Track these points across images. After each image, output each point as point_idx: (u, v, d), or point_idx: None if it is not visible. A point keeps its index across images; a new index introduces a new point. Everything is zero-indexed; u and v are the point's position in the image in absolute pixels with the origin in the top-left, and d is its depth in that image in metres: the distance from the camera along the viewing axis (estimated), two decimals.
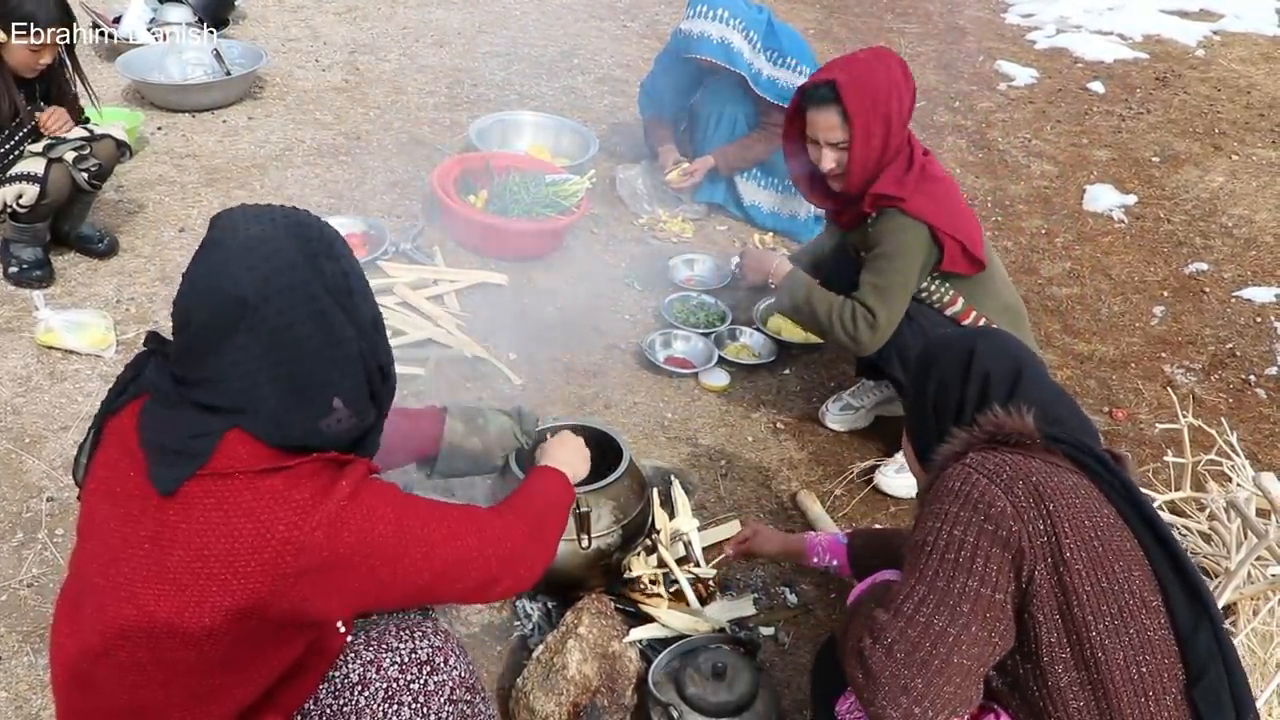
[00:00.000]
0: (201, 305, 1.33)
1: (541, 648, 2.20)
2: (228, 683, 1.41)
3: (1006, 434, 1.60)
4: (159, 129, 4.47)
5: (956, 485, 1.54)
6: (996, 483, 1.51)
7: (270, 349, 1.33)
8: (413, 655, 1.65)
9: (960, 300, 2.73)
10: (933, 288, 2.74)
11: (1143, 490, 1.60)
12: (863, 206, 2.71)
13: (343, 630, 1.65)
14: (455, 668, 1.69)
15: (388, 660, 1.63)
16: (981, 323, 2.73)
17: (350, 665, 1.62)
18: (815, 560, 2.34)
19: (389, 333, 3.27)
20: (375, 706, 1.59)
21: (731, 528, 2.73)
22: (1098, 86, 5.88)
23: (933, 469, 1.67)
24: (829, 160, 2.71)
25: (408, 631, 1.70)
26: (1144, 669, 1.46)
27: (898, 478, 2.89)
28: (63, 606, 1.46)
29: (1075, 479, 1.55)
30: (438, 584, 1.51)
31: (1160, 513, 1.61)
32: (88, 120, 3.40)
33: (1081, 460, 1.58)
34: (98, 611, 1.38)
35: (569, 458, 2.08)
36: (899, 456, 2.92)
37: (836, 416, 3.16)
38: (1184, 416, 2.61)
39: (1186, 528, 2.59)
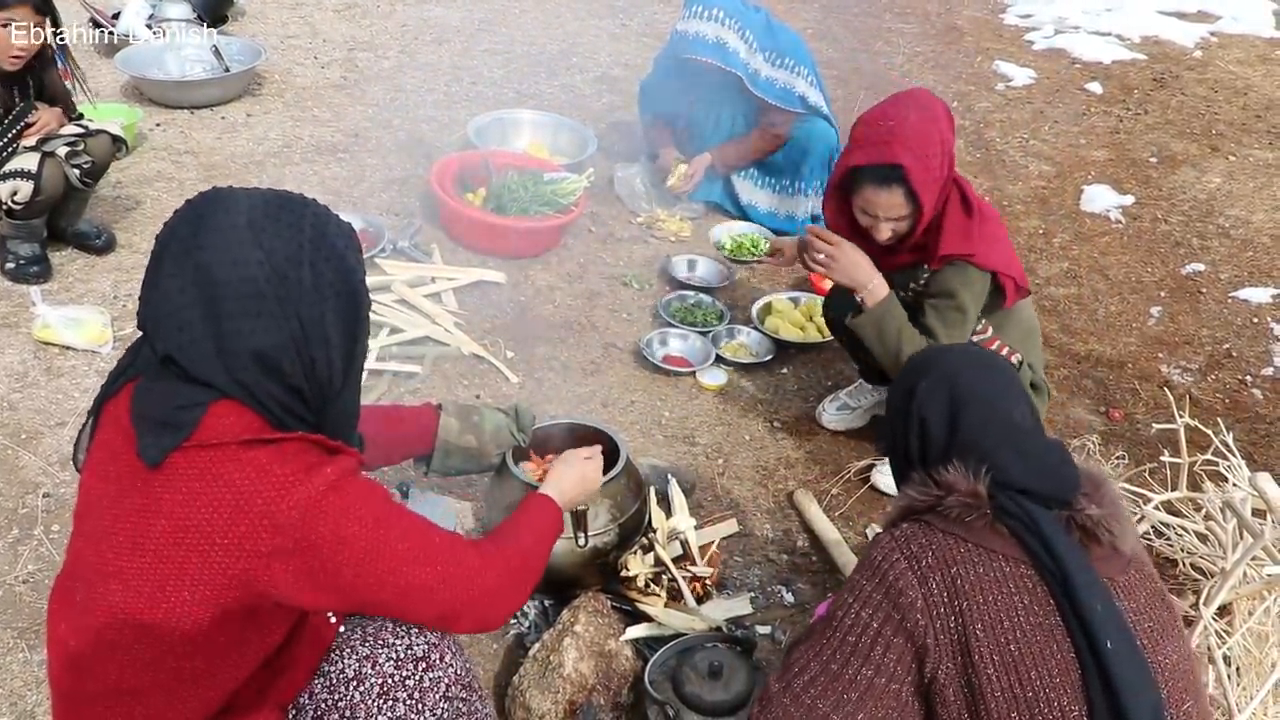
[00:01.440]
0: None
1: (538, 646, 2.20)
2: (211, 666, 1.41)
3: (954, 499, 1.52)
4: (157, 125, 4.47)
5: (878, 560, 1.52)
6: (914, 569, 1.48)
7: (193, 284, 1.35)
8: (409, 651, 1.65)
9: (989, 329, 2.67)
10: None
11: (1092, 583, 1.46)
12: (930, 265, 2.59)
13: (334, 621, 1.65)
14: (451, 665, 1.68)
15: (383, 656, 1.62)
16: (1004, 351, 2.64)
17: (345, 660, 1.62)
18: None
19: (385, 330, 3.28)
20: (370, 702, 1.58)
21: (728, 526, 2.73)
22: (1096, 87, 5.88)
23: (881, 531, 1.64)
24: (885, 233, 2.56)
25: (404, 627, 1.70)
26: None
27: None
28: (58, 589, 1.48)
29: (1009, 569, 1.47)
30: (396, 604, 1.48)
31: (1108, 611, 1.45)
32: (81, 117, 3.39)
33: (1025, 541, 1.48)
34: (87, 587, 1.39)
35: (572, 482, 2.03)
36: None
37: (833, 416, 3.16)
38: (1181, 416, 2.61)
39: (1183, 528, 2.59)
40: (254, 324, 1.34)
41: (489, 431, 2.21)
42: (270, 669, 1.53)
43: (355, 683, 1.59)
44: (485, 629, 1.66)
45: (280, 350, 1.36)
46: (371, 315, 1.54)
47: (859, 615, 1.50)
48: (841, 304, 2.87)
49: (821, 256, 2.63)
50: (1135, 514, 2.63)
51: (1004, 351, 2.65)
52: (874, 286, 2.60)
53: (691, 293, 3.73)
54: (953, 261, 2.55)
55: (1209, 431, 2.66)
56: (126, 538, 1.34)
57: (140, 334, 1.44)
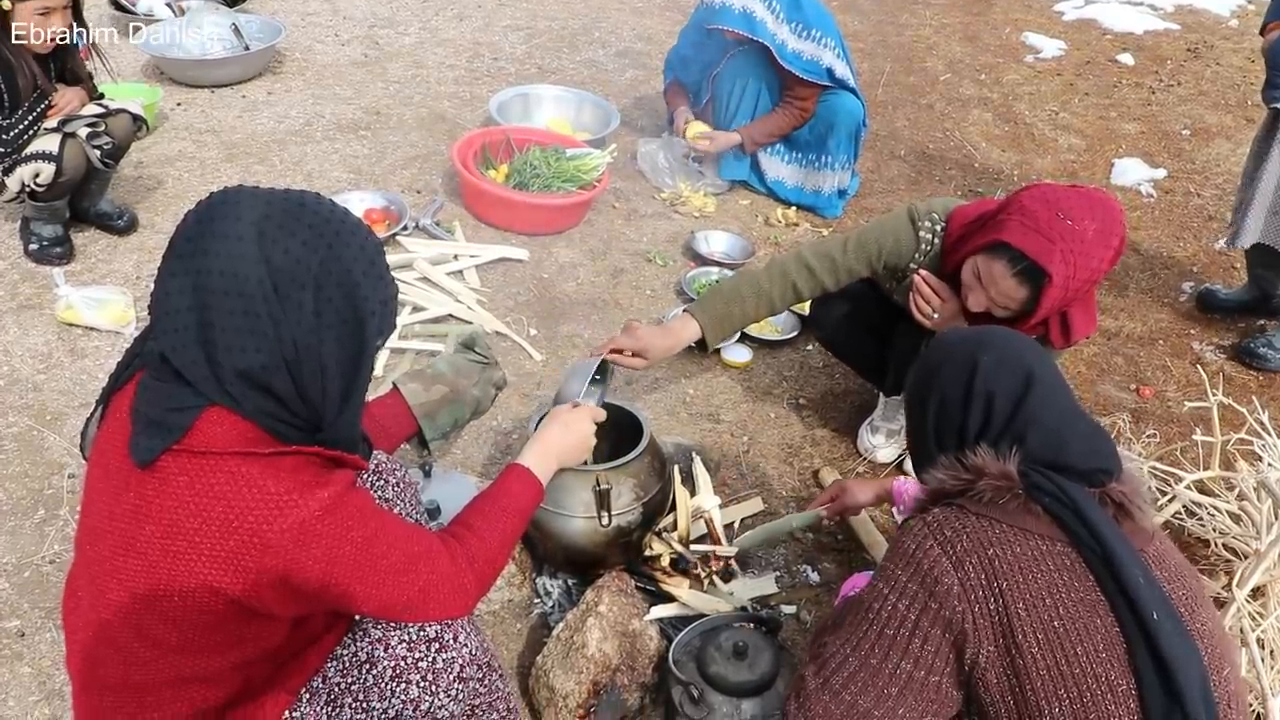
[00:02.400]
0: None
1: (562, 626, 2.19)
2: (211, 665, 1.41)
3: (985, 483, 1.50)
4: (178, 105, 4.46)
5: (911, 548, 1.49)
6: (949, 554, 1.45)
7: (191, 289, 1.30)
8: (421, 633, 1.63)
9: None
10: None
11: (1131, 556, 1.44)
12: (1053, 345, 2.40)
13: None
14: (465, 645, 1.66)
15: (395, 638, 1.61)
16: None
17: (358, 643, 1.61)
18: (901, 509, 2.28)
19: (408, 309, 3.27)
20: (383, 685, 1.57)
21: (753, 505, 2.71)
22: (1127, 58, 5.78)
23: (911, 510, 1.61)
24: (978, 306, 2.34)
25: None
26: None
27: None
28: (69, 582, 1.49)
29: (1046, 547, 1.45)
30: (370, 611, 1.47)
31: (1149, 583, 1.43)
32: (102, 97, 3.39)
33: (1063, 519, 1.46)
34: (90, 583, 1.39)
35: (554, 441, 1.91)
36: None
37: (886, 449, 2.94)
38: (1214, 395, 2.56)
39: (1215, 508, 2.54)
40: (244, 341, 1.29)
41: (449, 372, 2.15)
42: (279, 659, 1.54)
43: (368, 665, 1.59)
44: (448, 616, 1.60)
45: (269, 371, 1.31)
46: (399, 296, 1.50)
47: (895, 606, 1.48)
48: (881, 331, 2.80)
49: (928, 309, 2.50)
50: (1167, 493, 2.59)
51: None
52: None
53: (715, 269, 3.69)
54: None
55: (1243, 410, 2.61)
56: (119, 539, 1.34)
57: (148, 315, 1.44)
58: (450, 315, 3.31)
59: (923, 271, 2.49)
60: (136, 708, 1.43)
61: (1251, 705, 2.03)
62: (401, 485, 1.81)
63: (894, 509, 2.38)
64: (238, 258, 1.29)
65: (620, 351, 2.47)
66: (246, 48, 4.80)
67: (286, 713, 1.55)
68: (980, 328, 1.88)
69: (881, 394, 2.95)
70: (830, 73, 3.90)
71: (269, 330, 1.30)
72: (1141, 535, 1.51)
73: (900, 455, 2.93)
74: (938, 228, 2.50)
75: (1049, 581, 1.43)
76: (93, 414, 1.48)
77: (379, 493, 1.77)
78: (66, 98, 3.22)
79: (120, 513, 1.34)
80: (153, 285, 1.35)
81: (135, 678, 1.40)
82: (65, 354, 3.01)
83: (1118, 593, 1.41)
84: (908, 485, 2.30)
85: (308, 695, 1.57)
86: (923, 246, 2.51)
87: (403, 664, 1.59)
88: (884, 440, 2.95)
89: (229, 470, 1.30)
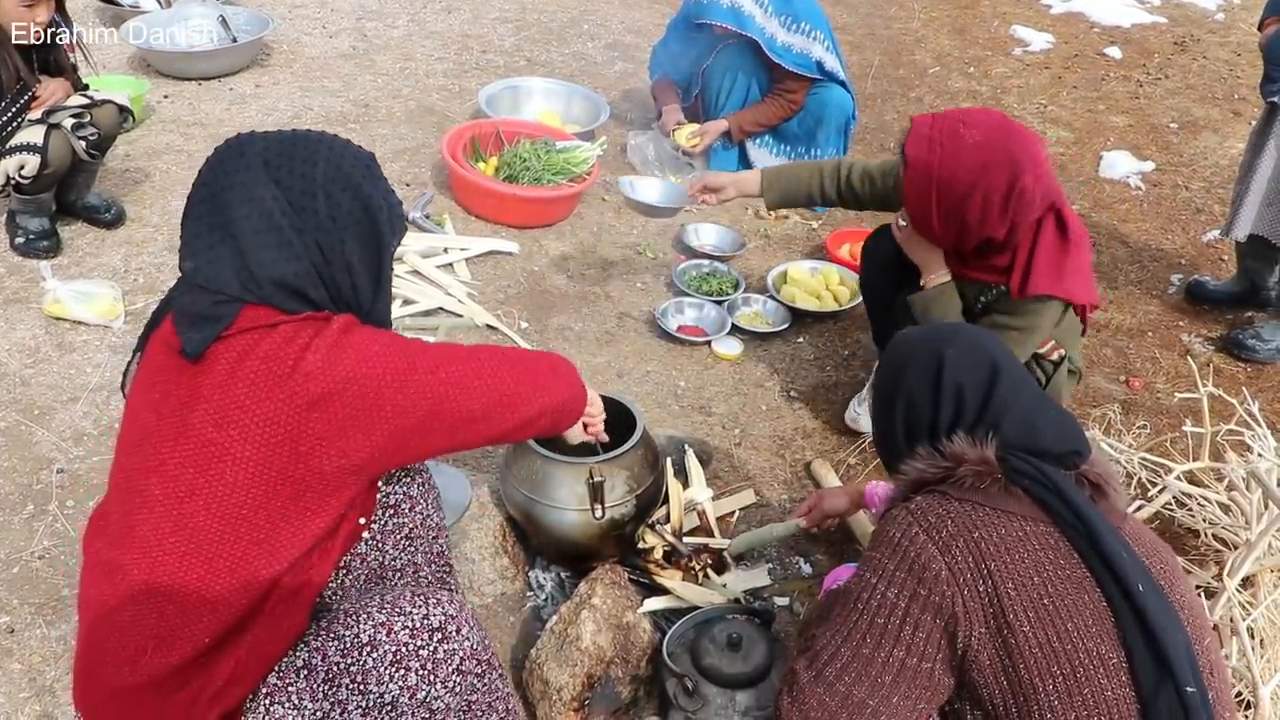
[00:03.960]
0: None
1: (555, 619, 2.19)
2: (250, 554, 1.45)
3: (965, 469, 1.51)
4: (165, 97, 4.43)
5: (896, 536, 1.50)
6: (935, 540, 1.47)
7: (219, 225, 1.49)
8: (425, 621, 1.62)
9: (1051, 341, 2.59)
10: None
11: (1111, 532, 1.47)
12: (1013, 294, 2.44)
13: (363, 523, 1.67)
14: (468, 639, 1.66)
15: (399, 624, 1.60)
16: (1048, 347, 2.57)
17: (361, 625, 1.60)
18: (875, 511, 2.30)
19: (399, 302, 3.26)
20: (382, 669, 1.57)
21: (745, 497, 2.71)
22: (1115, 51, 5.80)
23: (888, 502, 1.62)
24: (896, 224, 2.55)
25: (422, 598, 1.67)
26: None
27: None
28: (96, 512, 1.58)
29: (1029, 528, 1.47)
30: (453, 408, 1.57)
31: (1132, 558, 1.46)
32: (87, 88, 3.36)
33: (1044, 500, 1.49)
34: (126, 490, 1.49)
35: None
36: None
37: (866, 416, 2.97)
38: (1204, 386, 2.57)
39: (1205, 498, 2.56)
40: (274, 254, 1.46)
41: None
42: (305, 565, 1.54)
43: (369, 648, 1.58)
44: (557, 403, 1.79)
45: (302, 277, 1.48)
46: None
47: (884, 595, 1.48)
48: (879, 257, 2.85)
49: (898, 230, 2.57)
50: (1156, 484, 2.61)
51: (1047, 347, 2.59)
52: (939, 274, 2.54)
53: (706, 261, 3.69)
54: (1040, 297, 2.42)
55: (1233, 401, 2.62)
56: (170, 430, 1.44)
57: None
58: (441, 308, 3.30)
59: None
60: (156, 623, 1.45)
61: (1241, 694, 2.04)
62: (432, 554, 1.90)
63: (868, 512, 2.39)
64: (251, 184, 1.48)
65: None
66: (234, 40, 4.77)
67: (276, 680, 1.56)
68: (938, 325, 1.92)
69: None
70: (820, 65, 3.90)
71: (294, 239, 1.48)
72: (1116, 515, 1.54)
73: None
74: None
75: (1035, 560, 1.45)
76: (132, 359, 1.62)
77: (407, 556, 1.84)
78: (50, 89, 3.19)
79: (168, 409, 1.45)
80: (181, 247, 1.52)
81: (162, 579, 1.43)
82: (53, 348, 2.99)
83: (1103, 568, 1.44)
84: (878, 488, 2.33)
85: (305, 672, 1.57)
86: None
87: (404, 650, 1.58)
88: (868, 411, 2.97)
89: (269, 335, 1.45)
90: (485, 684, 1.70)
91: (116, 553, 1.47)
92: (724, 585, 2.39)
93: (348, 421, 1.46)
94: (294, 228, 1.49)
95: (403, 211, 1.64)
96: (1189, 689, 1.37)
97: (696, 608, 2.27)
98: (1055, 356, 2.61)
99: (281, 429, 1.42)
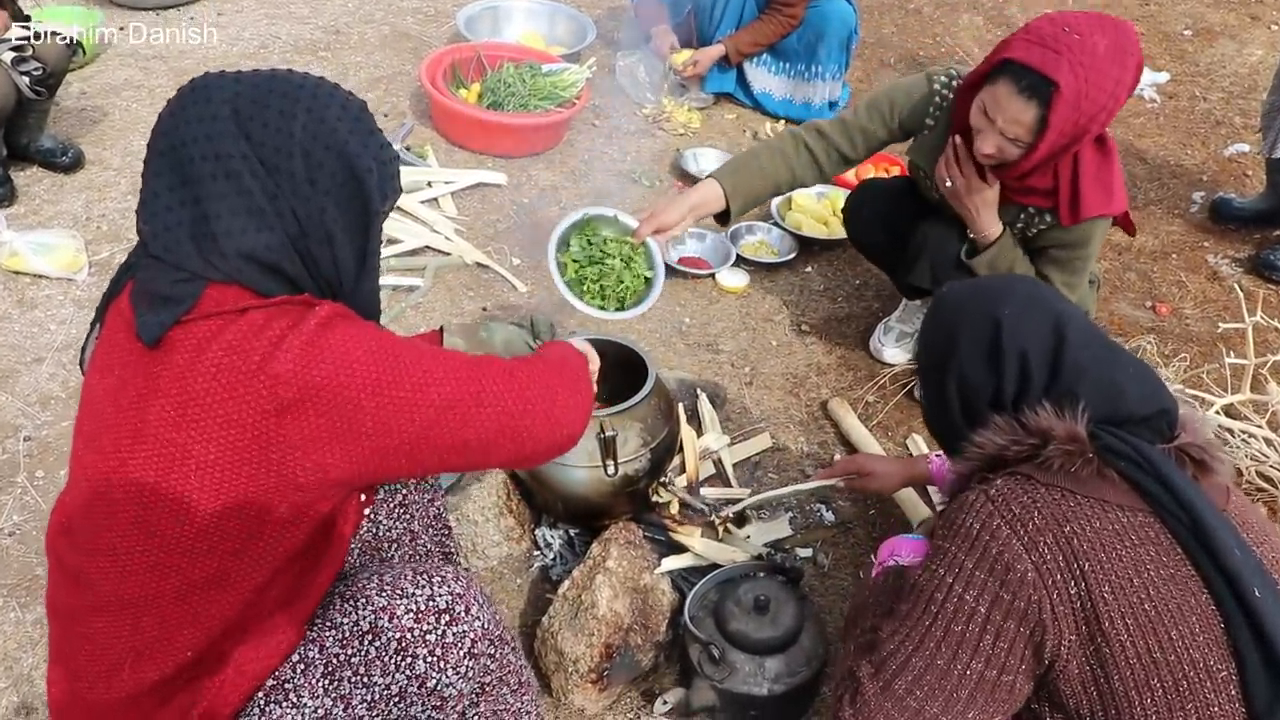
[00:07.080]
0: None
1: (568, 584, 2.04)
2: (222, 570, 1.28)
3: (1053, 449, 1.33)
4: (120, 29, 4.15)
5: (975, 528, 1.32)
6: (1020, 534, 1.29)
7: (180, 184, 1.28)
8: (430, 603, 1.49)
9: None
10: None
11: (1221, 523, 1.29)
12: (1063, 221, 2.30)
13: (364, 499, 1.53)
14: (478, 618, 1.52)
15: (402, 608, 1.46)
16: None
17: (360, 612, 1.46)
18: (942, 490, 2.12)
19: (383, 241, 3.07)
20: (386, 659, 1.43)
21: (761, 441, 2.57)
22: None
23: (956, 478, 1.44)
24: (990, 146, 2.20)
25: (425, 576, 1.53)
26: None
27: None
28: (58, 505, 1.38)
29: (1127, 519, 1.30)
30: (441, 431, 1.32)
31: (1245, 553, 1.28)
32: (28, 20, 3.09)
33: (1143, 485, 1.31)
34: (84, 476, 1.31)
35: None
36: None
37: (895, 351, 2.86)
38: (1249, 316, 2.42)
39: (1249, 433, 2.42)
40: (244, 222, 1.26)
41: (500, 345, 2.01)
42: (292, 573, 1.38)
43: (370, 637, 1.44)
44: (565, 435, 1.49)
45: (275, 251, 1.28)
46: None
47: (962, 598, 1.31)
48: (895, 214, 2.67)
49: (949, 185, 2.36)
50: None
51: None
52: (992, 228, 2.39)
53: None
54: (1092, 219, 2.28)
55: (1276, 324, 2.47)
56: (127, 430, 1.25)
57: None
58: (427, 247, 3.12)
59: (959, 138, 2.33)
60: (131, 636, 1.29)
61: None
62: (429, 518, 1.76)
63: (935, 492, 2.20)
64: (217, 137, 1.26)
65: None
66: None
67: (271, 678, 1.41)
68: (986, 280, 1.73)
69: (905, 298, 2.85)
70: None
71: (266, 206, 1.27)
72: (1220, 492, 1.37)
73: (909, 361, 2.84)
74: (953, 82, 2.41)
75: (1135, 558, 1.27)
76: (91, 331, 1.42)
77: (403, 525, 1.69)
78: None
79: (126, 401, 1.26)
80: (139, 202, 1.31)
81: (132, 590, 1.27)
82: (13, 305, 2.78)
83: (1211, 566, 1.27)
84: (947, 464, 2.14)
85: (303, 666, 1.43)
86: (936, 99, 2.43)
87: (409, 636, 1.44)
88: (893, 342, 2.87)
89: (235, 323, 1.24)
90: (499, 662, 1.58)
91: (83, 559, 1.31)
92: (747, 538, 2.25)
93: (324, 433, 1.25)
94: (266, 192, 1.27)
95: (397, 170, 1.41)
96: None
97: (717, 565, 2.14)
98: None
99: (248, 433, 1.22)
